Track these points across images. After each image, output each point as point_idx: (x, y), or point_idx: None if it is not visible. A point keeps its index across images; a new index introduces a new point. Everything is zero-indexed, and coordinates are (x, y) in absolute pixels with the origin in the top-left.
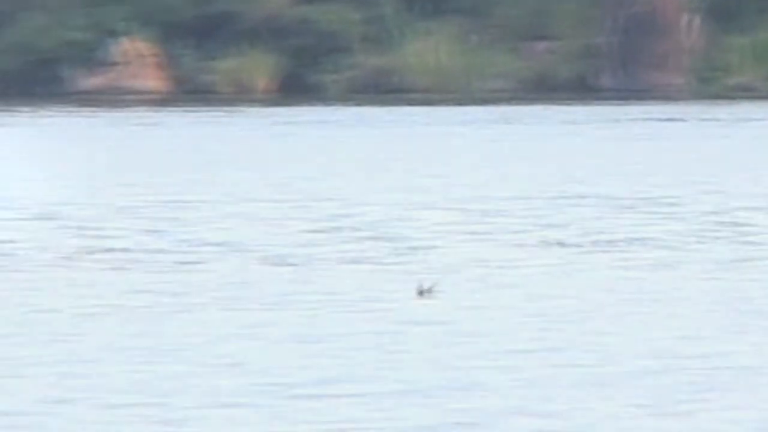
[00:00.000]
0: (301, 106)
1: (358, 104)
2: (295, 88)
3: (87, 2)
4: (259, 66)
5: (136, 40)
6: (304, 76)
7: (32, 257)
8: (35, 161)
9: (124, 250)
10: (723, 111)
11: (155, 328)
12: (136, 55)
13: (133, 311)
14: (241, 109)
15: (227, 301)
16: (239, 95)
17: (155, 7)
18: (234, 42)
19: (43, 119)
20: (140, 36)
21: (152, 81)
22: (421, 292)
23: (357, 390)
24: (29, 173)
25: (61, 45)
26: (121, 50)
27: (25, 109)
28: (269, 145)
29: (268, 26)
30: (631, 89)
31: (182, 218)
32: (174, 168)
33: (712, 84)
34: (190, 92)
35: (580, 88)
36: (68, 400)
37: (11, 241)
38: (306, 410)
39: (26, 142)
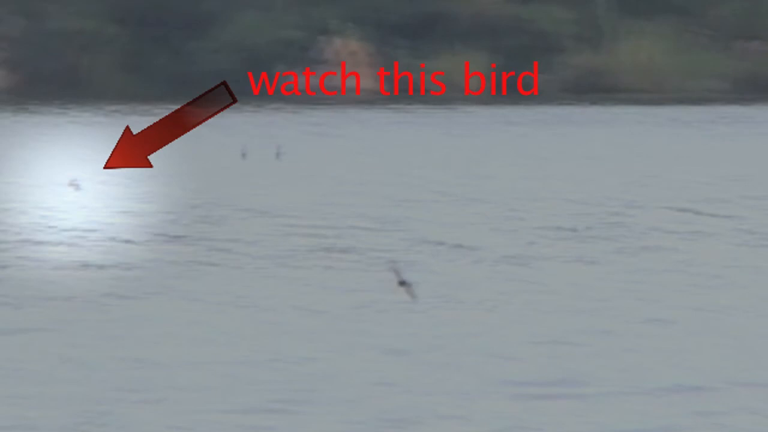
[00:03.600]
0: (514, 106)
1: (571, 104)
2: (507, 88)
3: (301, 1)
4: (472, 65)
5: (349, 39)
6: (517, 75)
7: (252, 253)
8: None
9: (345, 249)
10: None
11: (371, 325)
12: (348, 54)
13: (354, 309)
14: (454, 108)
15: (446, 300)
16: (452, 95)
17: (368, 6)
18: (447, 41)
19: (256, 118)
20: (353, 35)
21: (365, 80)
22: (400, 282)
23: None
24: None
25: (275, 44)
26: (334, 49)
27: (239, 107)
28: (482, 145)
29: (481, 26)
30: None
31: (401, 217)
32: (388, 167)
33: None
34: (402, 91)
35: None
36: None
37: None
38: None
39: (242, 139)
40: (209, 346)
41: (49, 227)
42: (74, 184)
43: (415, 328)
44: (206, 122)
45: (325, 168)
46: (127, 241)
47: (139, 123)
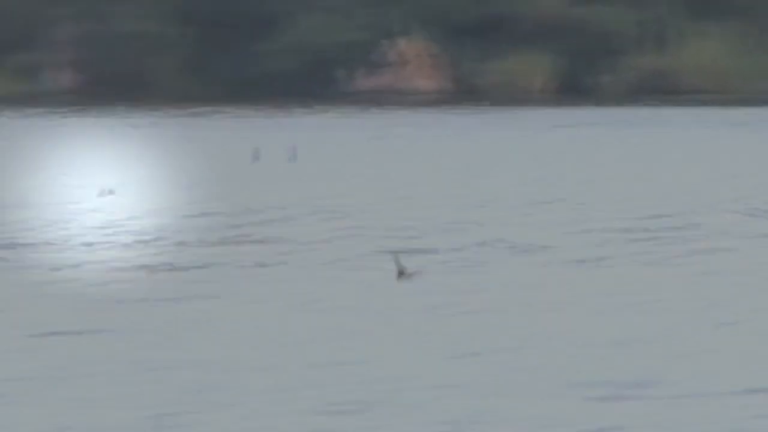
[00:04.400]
0: (578, 107)
1: (634, 105)
2: (571, 90)
3: (365, 2)
4: (536, 67)
5: (414, 40)
6: (581, 77)
7: (311, 256)
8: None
9: (414, 251)
10: None
11: (456, 327)
12: (413, 56)
13: (423, 312)
14: (518, 110)
15: (516, 302)
16: (516, 96)
17: (433, 7)
18: (511, 43)
19: (319, 119)
20: (418, 36)
21: (429, 81)
22: (400, 272)
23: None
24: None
25: (339, 45)
26: (398, 51)
27: (302, 109)
28: (545, 146)
29: (546, 27)
30: None
31: (470, 219)
32: (454, 170)
33: None
34: (467, 93)
35: None
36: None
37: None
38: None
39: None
40: (277, 348)
41: (101, 229)
42: (110, 191)
43: (484, 330)
44: (266, 123)
45: (391, 169)
46: (183, 243)
47: (203, 125)
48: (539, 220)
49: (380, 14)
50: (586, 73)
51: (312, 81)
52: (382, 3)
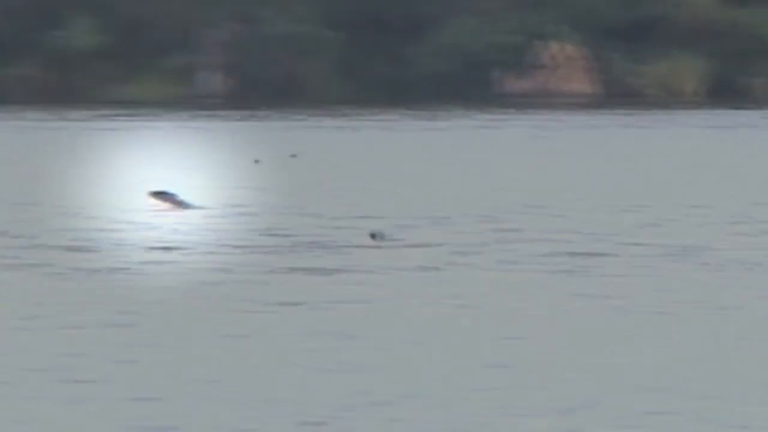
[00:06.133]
0: (730, 110)
1: None
2: (723, 92)
3: (517, 6)
4: (688, 69)
5: (565, 43)
6: (733, 79)
7: (472, 259)
8: (474, 165)
9: (570, 254)
10: None
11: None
12: (565, 59)
13: (577, 313)
14: (670, 112)
15: (665, 303)
16: (668, 99)
17: (585, 10)
18: (663, 46)
19: (474, 122)
20: (569, 39)
21: (581, 84)
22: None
23: None
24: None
25: (492, 48)
26: (550, 53)
27: (457, 111)
28: (701, 148)
29: (698, 30)
30: None
31: (625, 221)
32: (608, 171)
33: None
34: (618, 95)
35: None
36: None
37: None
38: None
39: (457, 145)
40: (438, 349)
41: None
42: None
43: (639, 333)
44: (427, 125)
45: (545, 170)
46: (349, 246)
47: (357, 128)
48: (694, 222)
49: (533, 17)
50: (739, 75)
51: (465, 83)
52: (532, 6)
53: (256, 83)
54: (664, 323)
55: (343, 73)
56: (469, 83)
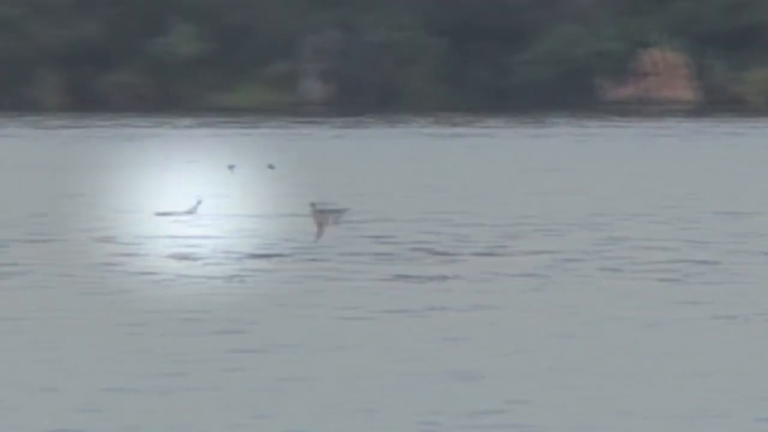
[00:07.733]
0: None
1: None
2: None
3: (619, 13)
4: None
5: (667, 50)
6: None
7: (578, 267)
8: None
9: (677, 261)
10: None
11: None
12: (666, 66)
13: (681, 323)
14: None
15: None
16: None
17: (687, 17)
18: (765, 52)
19: (579, 129)
20: (671, 46)
21: (682, 91)
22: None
23: None
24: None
25: (594, 55)
26: (652, 60)
27: (560, 119)
28: None
29: None
30: None
31: (730, 229)
32: (711, 180)
33: None
34: (720, 102)
35: None
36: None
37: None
38: None
39: (562, 152)
40: (545, 356)
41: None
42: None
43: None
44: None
45: (650, 178)
46: (448, 254)
47: (461, 135)
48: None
49: (634, 25)
50: None
51: (566, 91)
52: (634, 14)
53: (356, 90)
54: None
55: (444, 80)
56: (570, 90)
